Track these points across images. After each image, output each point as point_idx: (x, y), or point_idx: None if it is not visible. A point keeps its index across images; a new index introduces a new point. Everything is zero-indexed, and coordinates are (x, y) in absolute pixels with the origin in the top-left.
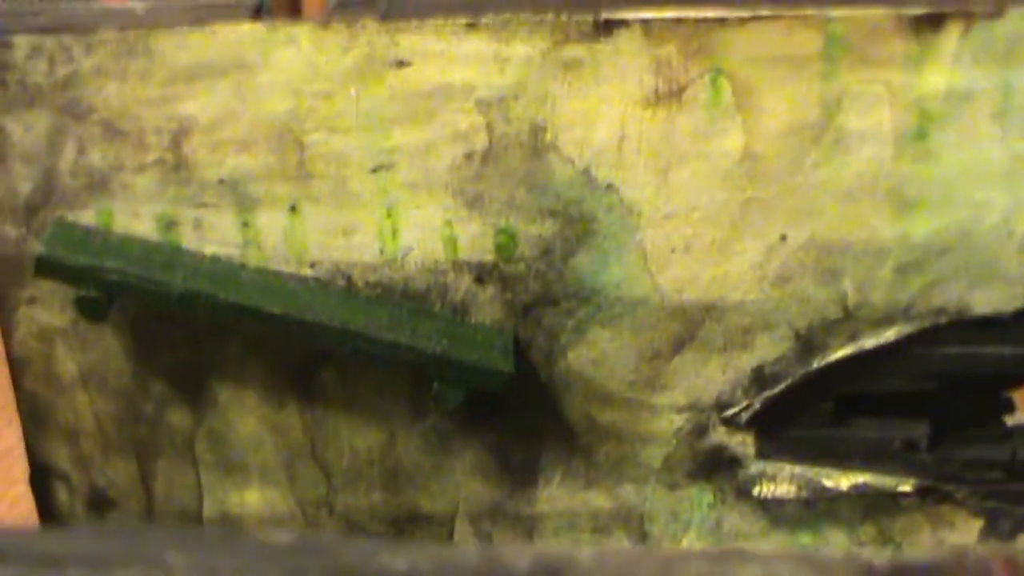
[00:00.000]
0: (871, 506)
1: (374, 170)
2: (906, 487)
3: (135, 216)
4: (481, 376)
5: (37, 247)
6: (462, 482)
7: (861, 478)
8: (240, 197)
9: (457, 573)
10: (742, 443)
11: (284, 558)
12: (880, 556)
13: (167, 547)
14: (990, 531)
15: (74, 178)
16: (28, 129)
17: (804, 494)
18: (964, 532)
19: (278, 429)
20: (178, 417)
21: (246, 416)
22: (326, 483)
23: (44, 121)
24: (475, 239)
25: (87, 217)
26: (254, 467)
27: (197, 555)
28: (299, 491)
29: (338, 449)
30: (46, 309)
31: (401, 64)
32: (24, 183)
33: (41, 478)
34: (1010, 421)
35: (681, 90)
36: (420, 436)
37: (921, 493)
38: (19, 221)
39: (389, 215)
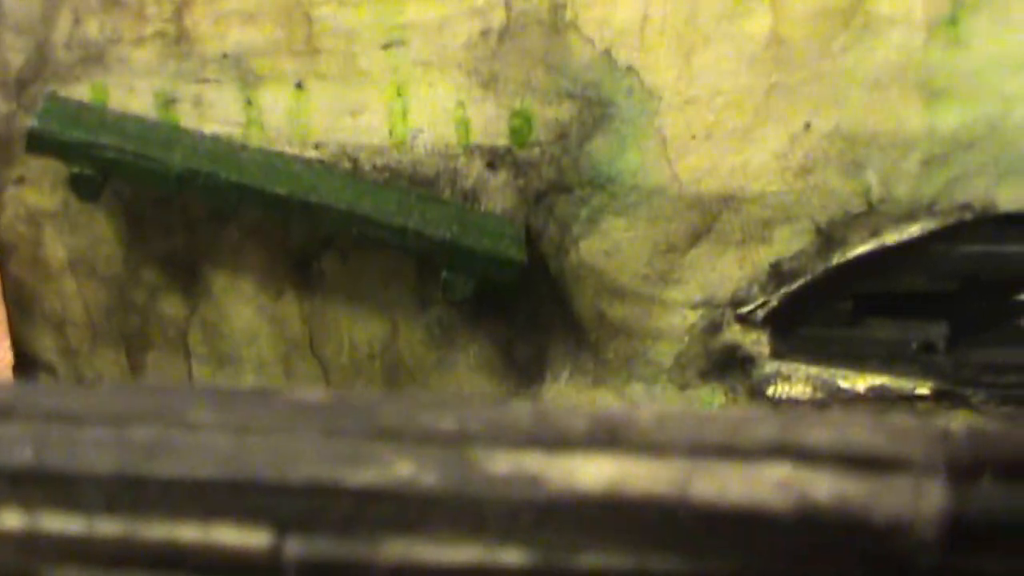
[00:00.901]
0: (886, 409)
1: (385, 47)
2: (923, 390)
3: (132, 92)
4: (491, 265)
5: (29, 122)
6: (465, 378)
7: (877, 380)
8: (243, 73)
9: (510, 433)
10: (757, 341)
11: (318, 416)
12: (956, 424)
13: (191, 404)
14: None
15: (69, 51)
16: None
17: (819, 395)
18: None
19: (275, 320)
20: (170, 307)
21: (242, 306)
22: (324, 378)
23: None
24: (488, 122)
25: (81, 92)
26: (249, 360)
27: (223, 412)
28: (295, 386)
29: (337, 342)
30: (35, 190)
31: None
32: (16, 55)
33: (25, 368)
34: None
35: None
36: (424, 329)
37: (937, 396)
38: (10, 95)
39: (399, 95)
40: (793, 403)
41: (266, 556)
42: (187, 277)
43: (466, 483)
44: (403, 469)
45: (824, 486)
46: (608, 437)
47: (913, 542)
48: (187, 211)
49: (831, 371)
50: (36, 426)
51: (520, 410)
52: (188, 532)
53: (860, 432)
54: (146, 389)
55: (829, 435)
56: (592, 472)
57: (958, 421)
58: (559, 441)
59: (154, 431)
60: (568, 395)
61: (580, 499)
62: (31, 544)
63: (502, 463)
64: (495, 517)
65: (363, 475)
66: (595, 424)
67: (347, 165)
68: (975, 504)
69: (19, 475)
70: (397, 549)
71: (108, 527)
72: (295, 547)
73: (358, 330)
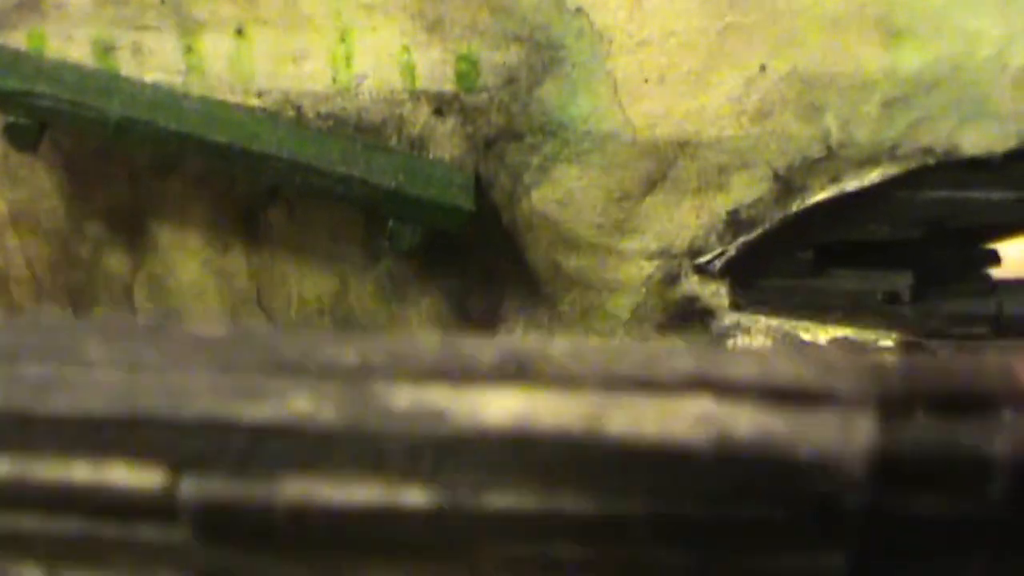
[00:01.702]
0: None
1: None
2: (887, 341)
3: (69, 39)
4: (440, 214)
5: None
6: (418, 332)
7: (840, 332)
8: (183, 19)
9: (414, 367)
10: (716, 293)
11: (215, 351)
12: (888, 357)
13: (84, 340)
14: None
15: None
16: None
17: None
18: None
19: (222, 274)
20: (115, 261)
21: (188, 260)
22: None
23: None
24: (434, 67)
25: (17, 39)
26: (195, 315)
27: (119, 347)
28: None
29: (286, 296)
30: None
31: None
32: None
33: None
34: (995, 274)
35: None
36: (374, 282)
37: (903, 348)
38: None
39: (343, 40)
40: None
41: (160, 495)
42: (132, 231)
43: (366, 418)
44: (301, 404)
45: (745, 421)
46: (518, 370)
47: (840, 480)
48: (130, 163)
49: (792, 323)
50: None
51: (426, 343)
52: (80, 471)
53: (785, 365)
54: (37, 324)
55: (751, 368)
56: (499, 406)
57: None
58: (465, 374)
59: (44, 367)
60: None
61: (486, 435)
62: None
63: (404, 397)
64: (396, 454)
65: (259, 411)
66: (504, 357)
67: (290, 113)
68: (907, 440)
69: None
70: (295, 488)
71: None
72: (190, 486)
73: (307, 284)
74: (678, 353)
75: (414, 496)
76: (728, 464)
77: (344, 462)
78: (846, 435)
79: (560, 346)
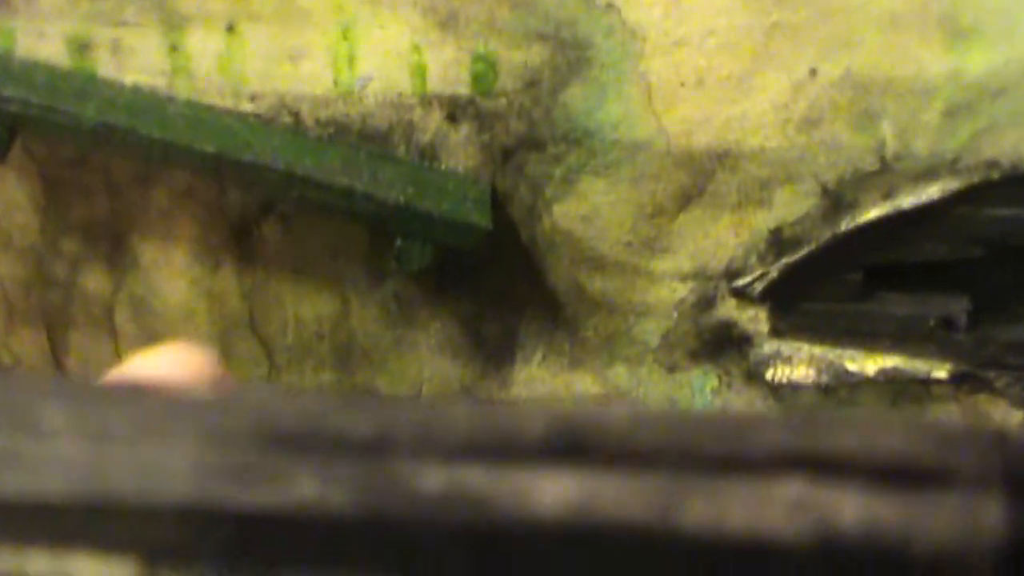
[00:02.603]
0: (899, 394)
1: None
2: (940, 372)
3: (41, 36)
4: (452, 231)
5: None
6: (427, 360)
7: (889, 361)
8: (167, 15)
9: (445, 441)
10: (754, 318)
11: (199, 419)
12: (1008, 425)
13: (40, 403)
14: None
15: None
16: None
17: (823, 379)
18: (1003, 426)
19: (212, 295)
20: (94, 281)
21: (174, 280)
22: (267, 361)
23: None
24: (447, 68)
25: None
26: (183, 339)
27: (80, 414)
28: (235, 370)
29: (281, 320)
30: None
31: None
32: None
33: None
34: None
35: None
36: (378, 305)
37: (956, 380)
38: None
39: (345, 37)
40: (794, 387)
41: None
42: (112, 248)
43: (387, 505)
44: (306, 487)
45: (850, 508)
46: (571, 445)
47: None
48: (109, 173)
49: (837, 351)
50: None
51: (457, 411)
52: (37, 563)
53: (893, 437)
54: None
55: (855, 441)
56: (551, 491)
57: (1008, 420)
58: (508, 451)
59: None
60: (541, 378)
61: (535, 526)
62: None
63: (434, 479)
64: (425, 548)
65: (254, 495)
66: (554, 428)
67: (287, 119)
68: None
69: None
70: None
71: None
72: None
73: (305, 306)
74: (765, 423)
75: None
76: (829, 560)
77: (359, 558)
78: (970, 524)
79: (621, 415)
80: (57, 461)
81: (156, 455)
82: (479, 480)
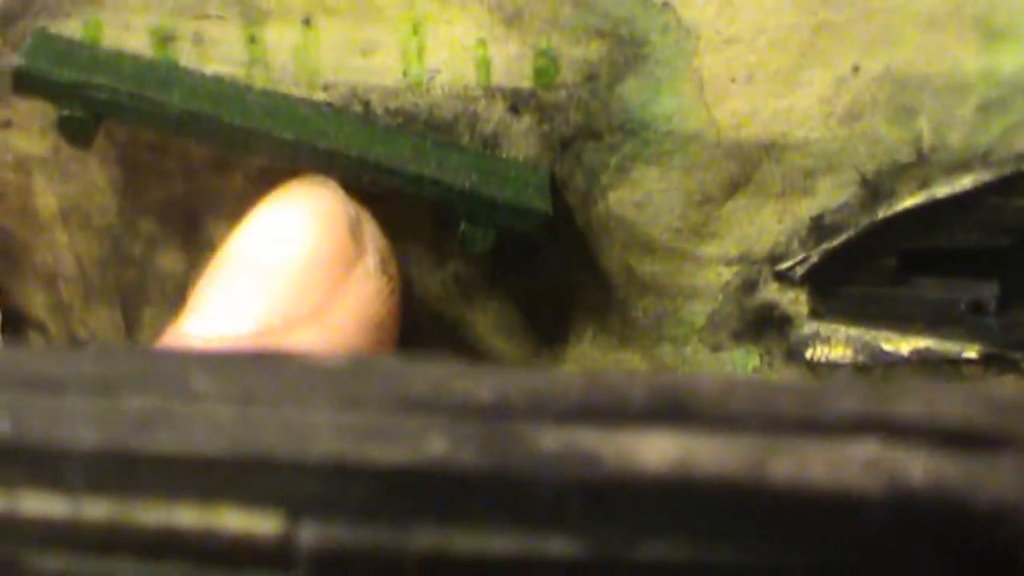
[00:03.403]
0: (930, 374)
1: None
2: (971, 353)
3: (127, 28)
4: (515, 216)
5: (15, 60)
6: (484, 337)
7: (922, 343)
8: (247, 8)
9: (559, 404)
10: (795, 301)
11: (336, 384)
12: None
13: (189, 369)
14: None
15: None
16: None
17: (860, 358)
18: None
19: None
20: (169, 260)
21: None
22: None
23: None
24: (511, 62)
25: (72, 28)
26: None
27: (228, 379)
28: None
29: None
30: (24, 134)
31: None
32: None
33: (14, 325)
34: None
35: None
36: (440, 285)
37: (986, 360)
38: None
39: (415, 32)
40: (832, 366)
41: (276, 543)
42: (187, 229)
43: (510, 462)
44: (435, 445)
45: (918, 466)
46: (671, 409)
47: (1021, 531)
48: (187, 157)
49: (873, 333)
50: (14, 395)
51: (569, 378)
52: (186, 515)
53: (957, 404)
54: (139, 352)
55: (922, 408)
56: (655, 449)
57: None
58: (615, 413)
59: (148, 401)
60: (592, 356)
61: (641, 480)
62: (10, 527)
63: (550, 439)
64: (543, 500)
65: (389, 452)
66: (655, 394)
67: (358, 108)
68: None
69: None
70: (428, 537)
71: (96, 509)
72: (310, 533)
73: None
74: (841, 390)
75: (561, 545)
76: (900, 513)
77: (484, 510)
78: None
79: (713, 382)
80: (206, 421)
81: (298, 416)
82: (591, 439)
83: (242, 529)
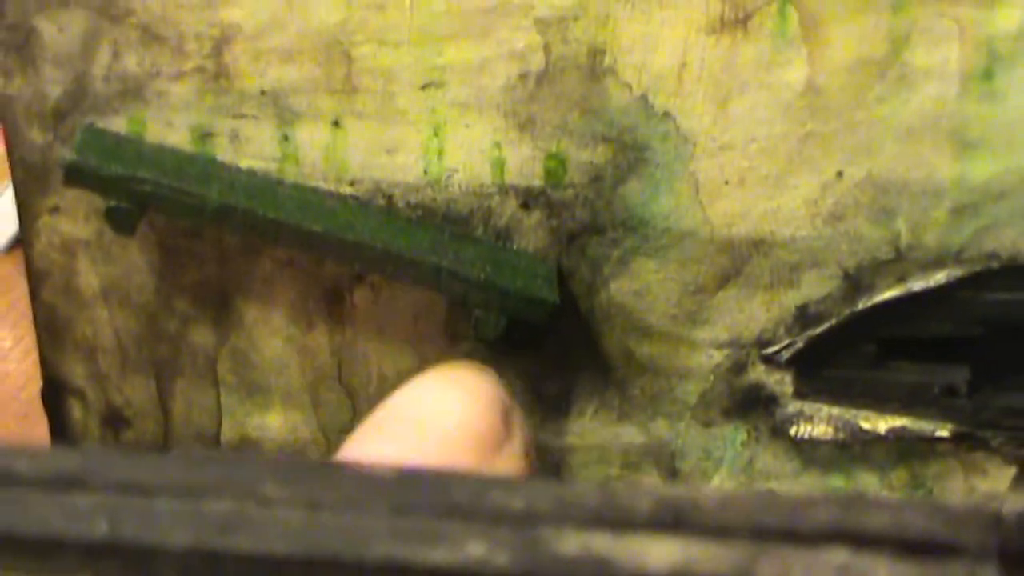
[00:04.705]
0: (906, 451)
1: (423, 87)
2: (944, 432)
3: (169, 125)
4: (525, 304)
5: (66, 154)
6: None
7: (899, 422)
8: (281, 110)
9: (577, 513)
10: (780, 382)
11: (390, 492)
12: (1009, 505)
13: (263, 477)
14: (1023, 479)
15: (107, 83)
16: (62, 30)
17: (840, 436)
18: (996, 479)
19: (304, 351)
20: (201, 336)
21: (272, 337)
22: (351, 409)
23: (79, 22)
24: (524, 163)
25: (119, 125)
26: (277, 390)
27: (296, 486)
28: (322, 417)
29: (366, 374)
30: (70, 219)
31: None
32: (54, 87)
33: (55, 394)
34: None
35: (747, 18)
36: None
37: (957, 439)
38: (46, 127)
39: (436, 134)
40: (814, 443)
41: None
42: (218, 307)
43: (537, 564)
44: (475, 549)
45: (881, 572)
46: (673, 518)
47: None
48: (220, 243)
49: (853, 412)
50: (109, 497)
51: (587, 489)
52: None
53: (917, 517)
54: (216, 459)
55: (887, 520)
56: (659, 554)
57: (1003, 475)
58: (625, 521)
59: (228, 505)
60: (593, 430)
61: None
62: None
63: (571, 544)
64: None
65: (436, 554)
66: (659, 504)
67: (382, 202)
68: None
69: (94, 549)
70: None
71: None
72: None
73: (387, 363)
74: (819, 503)
75: None
76: None
77: None
78: None
79: (710, 494)
80: (279, 524)
81: (358, 521)
82: (605, 545)
83: None
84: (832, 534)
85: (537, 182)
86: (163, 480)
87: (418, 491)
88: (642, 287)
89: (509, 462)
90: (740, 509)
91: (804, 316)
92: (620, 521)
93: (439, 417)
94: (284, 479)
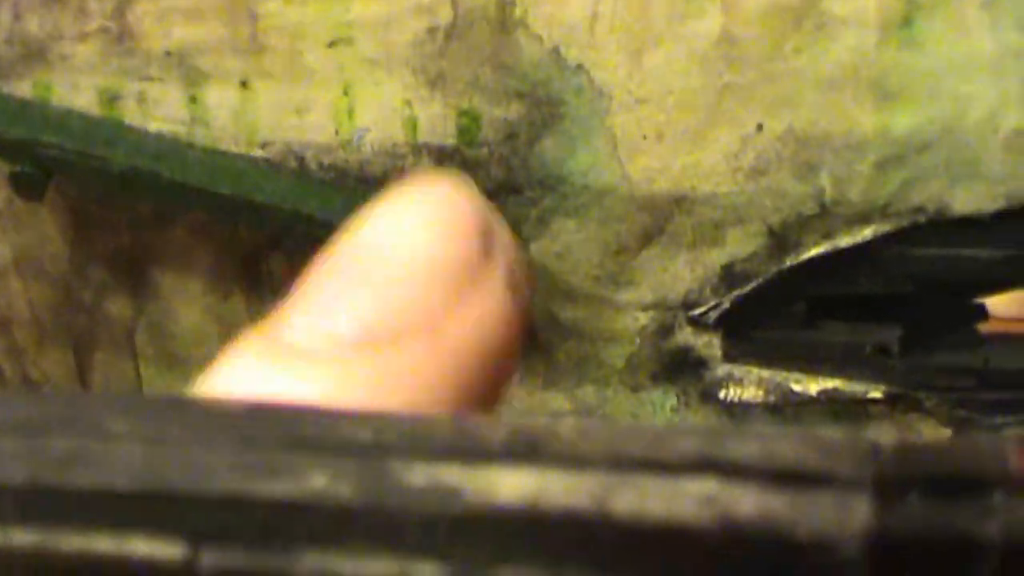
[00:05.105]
0: (839, 413)
1: (331, 44)
2: (876, 393)
3: (75, 89)
4: None
5: None
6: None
7: (830, 383)
8: (187, 71)
9: (428, 445)
10: (708, 344)
11: (236, 425)
12: (885, 438)
13: (106, 412)
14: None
15: (9, 47)
16: None
17: (771, 399)
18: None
19: (223, 320)
20: (117, 307)
21: (189, 306)
22: None
23: None
24: (436, 121)
25: (23, 89)
26: (197, 360)
27: (140, 421)
28: None
29: None
30: None
31: None
32: None
33: None
34: (983, 328)
35: None
36: None
37: (891, 400)
38: None
39: (346, 93)
40: (745, 406)
41: (181, 567)
42: (134, 277)
43: (381, 495)
44: (317, 481)
45: (748, 502)
46: (528, 449)
47: (838, 560)
48: (133, 210)
49: (784, 374)
50: None
51: (439, 422)
52: (103, 543)
53: (787, 446)
54: (59, 398)
55: (755, 449)
56: (511, 485)
57: (894, 432)
58: (478, 453)
59: (69, 441)
60: (519, 397)
61: (498, 512)
62: None
63: (419, 475)
64: (411, 530)
65: (277, 487)
66: (515, 436)
67: (293, 164)
68: (901, 521)
69: None
70: (313, 561)
71: (23, 538)
72: (210, 558)
73: None
74: (683, 433)
75: (427, 570)
76: (730, 544)
77: (360, 537)
78: (842, 516)
79: (568, 425)
80: (120, 460)
81: (201, 455)
82: (454, 476)
83: (150, 556)
84: (696, 464)
85: (450, 140)
86: (3, 417)
87: (265, 425)
88: (563, 248)
89: (487, 300)
90: (599, 439)
91: (730, 275)
92: (472, 452)
93: (399, 252)
94: (128, 414)
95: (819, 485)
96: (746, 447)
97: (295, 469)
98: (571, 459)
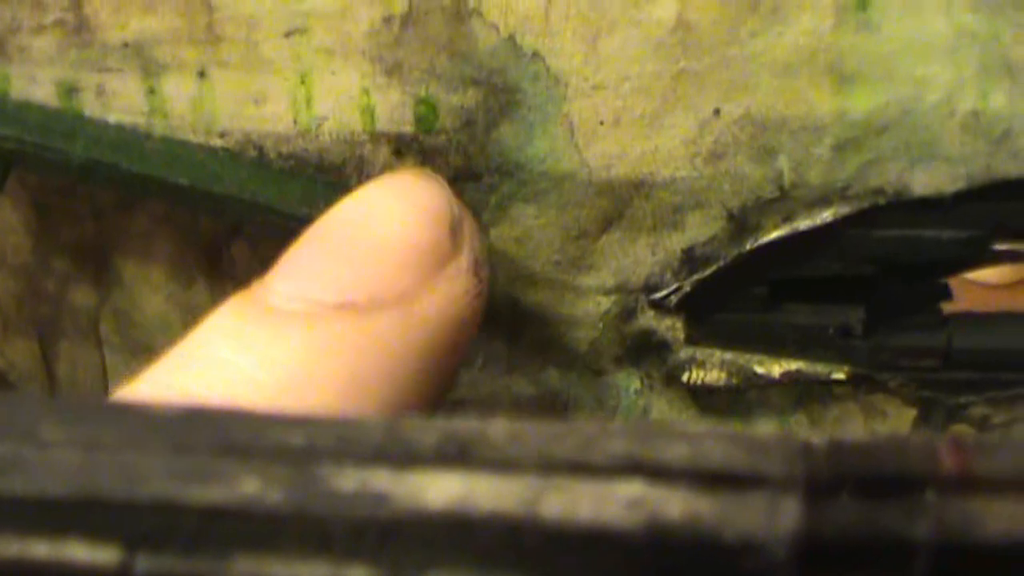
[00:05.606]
0: (803, 394)
1: (287, 34)
2: (840, 375)
3: (34, 81)
4: None
5: None
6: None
7: (794, 365)
8: (145, 62)
9: (358, 449)
10: (671, 327)
11: (170, 431)
12: (817, 436)
13: (40, 418)
14: (923, 421)
15: None
16: None
17: (735, 381)
18: (897, 421)
19: (186, 308)
20: (82, 296)
21: (152, 295)
22: None
23: None
24: (394, 109)
25: None
26: (161, 347)
27: (74, 427)
28: None
29: None
30: None
31: None
32: None
33: None
34: (946, 309)
35: None
36: None
37: (855, 381)
38: None
39: (303, 82)
40: (708, 389)
41: (116, 572)
42: (97, 266)
43: (311, 501)
44: (248, 486)
45: (676, 505)
46: (457, 452)
47: (765, 562)
48: (95, 199)
49: (746, 357)
50: None
51: (370, 425)
52: (39, 549)
53: (716, 447)
54: None
55: (683, 450)
56: (439, 489)
57: (902, 417)
58: (407, 457)
59: (3, 448)
60: (483, 381)
61: (426, 517)
62: None
63: (348, 480)
64: (340, 535)
65: (209, 492)
66: (445, 439)
67: (252, 153)
68: (831, 522)
69: None
70: (245, 566)
71: None
72: (144, 563)
73: None
74: (613, 434)
75: (358, 574)
76: (658, 547)
77: (291, 542)
78: (771, 518)
79: (499, 427)
80: (55, 466)
81: (135, 460)
82: (383, 481)
83: (86, 561)
84: (625, 466)
85: (408, 128)
86: None
87: (198, 430)
88: (523, 233)
89: (454, 281)
90: (529, 441)
91: (691, 259)
92: (403, 456)
93: (379, 229)
94: (62, 420)
95: (748, 486)
96: (675, 448)
97: (227, 475)
98: (500, 462)
